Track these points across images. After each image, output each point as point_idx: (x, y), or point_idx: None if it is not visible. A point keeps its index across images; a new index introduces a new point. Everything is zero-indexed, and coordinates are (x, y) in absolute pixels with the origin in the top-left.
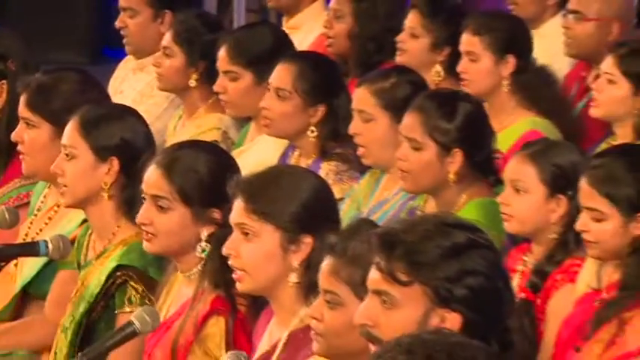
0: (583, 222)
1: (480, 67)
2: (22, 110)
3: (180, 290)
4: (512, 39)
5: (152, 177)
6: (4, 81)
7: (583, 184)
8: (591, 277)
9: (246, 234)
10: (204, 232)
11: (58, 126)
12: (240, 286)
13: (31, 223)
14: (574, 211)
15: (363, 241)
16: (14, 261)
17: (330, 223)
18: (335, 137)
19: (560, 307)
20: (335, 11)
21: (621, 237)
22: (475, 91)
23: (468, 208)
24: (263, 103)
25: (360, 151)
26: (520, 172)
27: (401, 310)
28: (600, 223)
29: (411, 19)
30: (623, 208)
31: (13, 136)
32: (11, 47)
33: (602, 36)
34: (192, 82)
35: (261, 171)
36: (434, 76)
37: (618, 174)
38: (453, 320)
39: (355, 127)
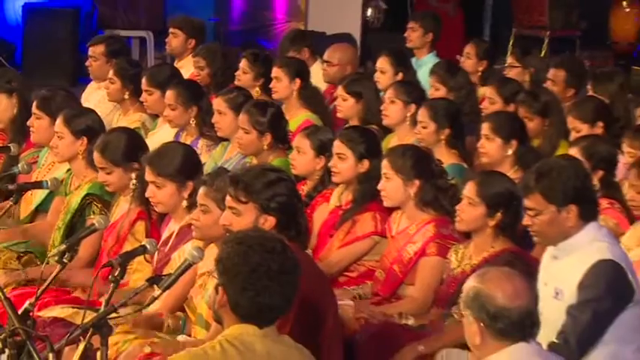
0: (334, 162)
1: (281, 84)
2: (34, 109)
3: (122, 205)
4: (299, 70)
5: (96, 157)
6: (14, 94)
7: (336, 142)
8: (337, 200)
9: (157, 186)
10: (133, 175)
11: (53, 118)
12: (157, 209)
13: (39, 171)
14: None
15: (222, 180)
16: (30, 191)
17: (200, 174)
18: (206, 124)
19: (320, 215)
20: (197, 61)
21: (353, 170)
22: (279, 97)
23: (275, 162)
24: (164, 113)
25: (218, 131)
26: (301, 142)
27: (243, 216)
28: (343, 161)
29: (243, 63)
30: (355, 155)
31: (29, 123)
32: (13, 77)
33: (342, 72)
34: (126, 96)
35: (158, 147)
36: (255, 94)
37: (354, 135)
38: (270, 221)
39: (215, 119)
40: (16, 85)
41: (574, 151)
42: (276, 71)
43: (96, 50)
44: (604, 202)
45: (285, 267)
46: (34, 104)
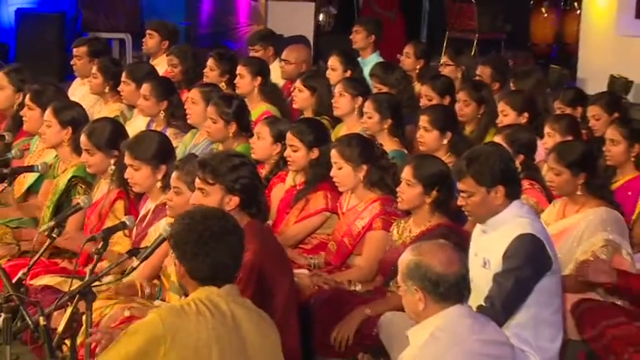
0: (288, 153)
1: (244, 81)
2: (27, 101)
3: (102, 187)
4: (260, 68)
5: (83, 140)
6: (21, 92)
7: (287, 135)
8: (292, 180)
9: (135, 169)
10: (112, 161)
11: (44, 109)
12: (134, 189)
13: (31, 157)
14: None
15: (191, 165)
16: (23, 175)
17: (172, 158)
18: (174, 116)
19: (277, 194)
20: (171, 59)
21: (306, 158)
22: (242, 92)
23: (238, 148)
24: (138, 102)
25: (188, 118)
26: (261, 129)
27: (210, 196)
28: (296, 152)
29: (210, 61)
30: (305, 145)
31: (22, 113)
32: (27, 78)
33: (298, 69)
34: (106, 90)
35: (136, 134)
36: (223, 88)
37: (302, 127)
38: (235, 200)
39: (187, 106)
40: (26, 85)
41: (499, 138)
42: (240, 69)
43: (79, 50)
44: (525, 183)
45: (226, 228)
46: (28, 97)
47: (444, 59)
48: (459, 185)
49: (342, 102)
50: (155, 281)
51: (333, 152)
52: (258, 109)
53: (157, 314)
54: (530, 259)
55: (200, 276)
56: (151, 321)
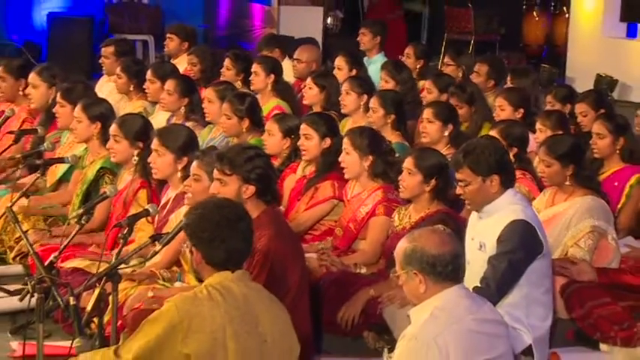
0: (302, 142)
1: (259, 78)
2: (59, 98)
3: (125, 178)
4: (274, 67)
5: (113, 127)
6: (53, 87)
7: (302, 125)
8: (302, 171)
9: (159, 154)
10: (135, 152)
11: (74, 106)
12: (154, 175)
13: (62, 148)
14: (294, 145)
15: (211, 156)
16: (54, 165)
17: (195, 150)
18: (193, 112)
19: (289, 184)
20: (191, 59)
21: (319, 147)
22: (256, 89)
23: (252, 142)
24: (160, 97)
25: (206, 115)
26: (271, 126)
27: (228, 186)
28: (309, 140)
29: (226, 61)
30: (319, 134)
31: (54, 110)
32: (57, 73)
33: (309, 68)
34: (131, 88)
35: (170, 124)
36: (238, 87)
37: (316, 119)
38: (251, 189)
39: (205, 105)
40: (57, 80)
41: (494, 133)
42: (255, 67)
43: (107, 50)
44: (518, 173)
45: (237, 215)
46: (59, 94)
47: (445, 59)
48: (457, 175)
49: (348, 100)
50: (174, 268)
51: (345, 139)
52: (270, 103)
53: (173, 303)
54: (522, 243)
55: (216, 261)
56: (168, 310)
